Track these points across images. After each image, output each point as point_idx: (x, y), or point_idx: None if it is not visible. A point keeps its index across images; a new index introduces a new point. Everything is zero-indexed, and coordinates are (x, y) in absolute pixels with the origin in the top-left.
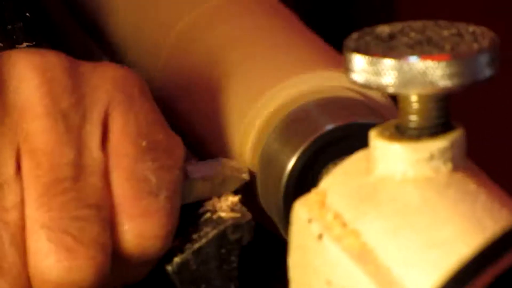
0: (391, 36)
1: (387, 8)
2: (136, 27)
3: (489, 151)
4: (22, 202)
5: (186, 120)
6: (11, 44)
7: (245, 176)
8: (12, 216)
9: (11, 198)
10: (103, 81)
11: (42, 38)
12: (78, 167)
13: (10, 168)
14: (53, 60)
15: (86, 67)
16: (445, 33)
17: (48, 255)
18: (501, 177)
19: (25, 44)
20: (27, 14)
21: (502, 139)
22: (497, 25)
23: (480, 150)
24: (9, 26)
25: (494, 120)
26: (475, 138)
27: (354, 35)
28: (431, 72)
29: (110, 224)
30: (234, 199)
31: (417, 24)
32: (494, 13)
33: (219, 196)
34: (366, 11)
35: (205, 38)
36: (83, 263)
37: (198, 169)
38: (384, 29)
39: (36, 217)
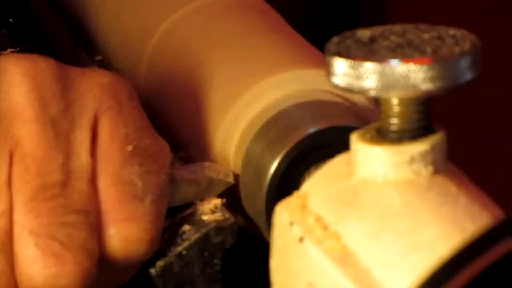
0: (372, 40)
1: (380, 11)
2: (119, 30)
3: (472, 152)
4: (11, 209)
5: (167, 122)
6: None
7: (230, 179)
8: (1, 223)
9: (0, 205)
10: (92, 86)
11: (26, 44)
12: (66, 173)
13: (2, 176)
14: (43, 65)
15: (75, 72)
16: (426, 36)
17: (35, 262)
18: (483, 177)
19: (9, 50)
20: (11, 20)
21: (485, 141)
22: (494, 25)
23: (464, 151)
24: None
25: (479, 121)
26: (458, 141)
27: (335, 39)
28: (413, 75)
29: (97, 229)
30: (217, 202)
31: (397, 27)
32: (491, 13)
33: (202, 199)
34: (361, 10)
35: (187, 40)
36: (70, 269)
37: (184, 173)
38: (364, 33)
39: (24, 223)
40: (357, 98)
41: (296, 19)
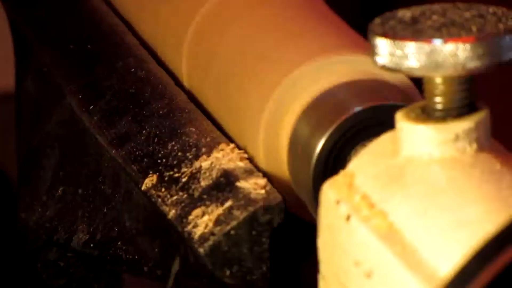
0: (414, 20)
1: None
2: (158, 22)
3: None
4: None
5: (211, 104)
6: None
7: None
8: None
9: None
10: None
11: None
12: None
13: None
14: None
15: None
16: (467, 14)
17: None
18: None
19: None
20: None
21: None
22: None
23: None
24: None
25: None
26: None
27: (377, 20)
28: (461, 53)
29: None
30: (263, 181)
31: (436, 7)
32: None
33: (248, 179)
34: None
35: (228, 24)
36: None
37: None
38: (405, 13)
39: None
40: (399, 77)
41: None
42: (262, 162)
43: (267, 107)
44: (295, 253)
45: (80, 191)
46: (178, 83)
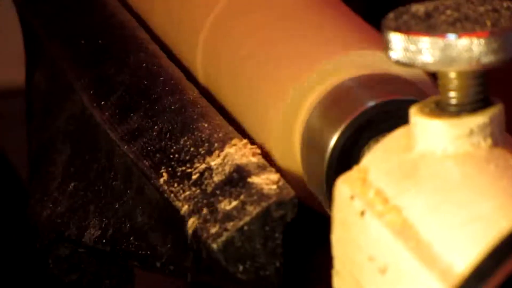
0: (428, 15)
1: None
2: (172, 11)
3: None
4: None
5: (227, 100)
6: None
7: None
8: None
9: None
10: None
11: None
12: None
13: None
14: None
15: None
16: (481, 9)
17: None
18: None
19: None
20: None
21: None
22: None
23: None
24: None
25: None
26: None
27: (391, 15)
28: (475, 48)
29: None
30: (276, 176)
31: (450, 2)
32: None
33: (260, 174)
34: None
35: (247, 17)
36: None
37: None
38: (419, 8)
39: None
40: (415, 72)
41: None
42: (278, 157)
43: (284, 102)
44: (307, 246)
45: (91, 186)
46: (192, 79)
